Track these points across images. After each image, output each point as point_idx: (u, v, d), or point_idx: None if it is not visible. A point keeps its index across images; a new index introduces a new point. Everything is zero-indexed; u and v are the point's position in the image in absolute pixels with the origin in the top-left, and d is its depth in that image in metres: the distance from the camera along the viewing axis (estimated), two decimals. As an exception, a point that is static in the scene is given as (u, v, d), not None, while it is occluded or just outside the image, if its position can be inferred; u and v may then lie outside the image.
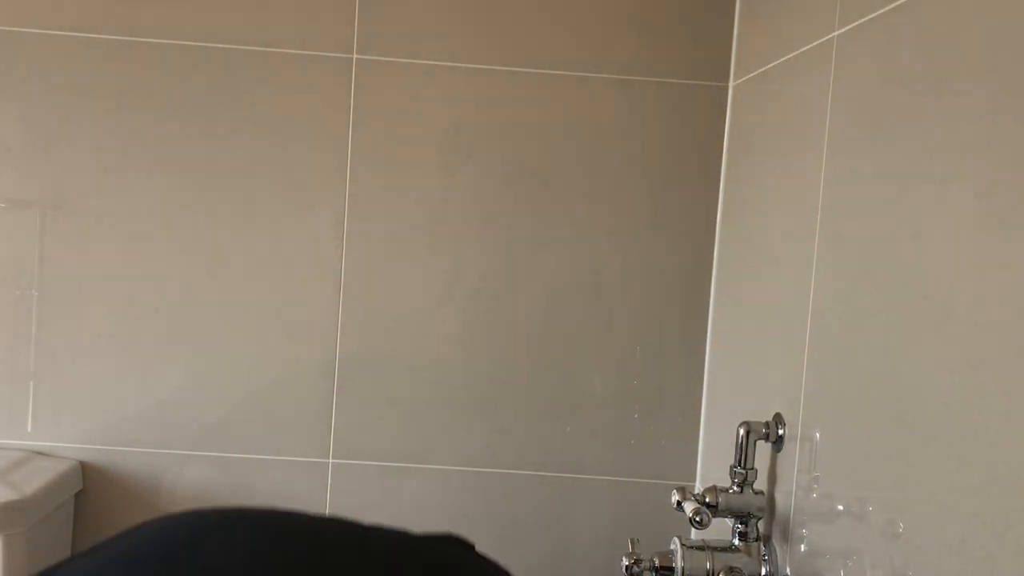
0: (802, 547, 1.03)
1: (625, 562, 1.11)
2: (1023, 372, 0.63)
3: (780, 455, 1.10)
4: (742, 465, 1.10)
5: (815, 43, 1.08)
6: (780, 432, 1.09)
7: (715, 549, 1.11)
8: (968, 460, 0.69)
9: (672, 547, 1.12)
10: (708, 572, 1.09)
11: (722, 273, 1.49)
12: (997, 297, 0.67)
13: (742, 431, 1.10)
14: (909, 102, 0.83)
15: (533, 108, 1.50)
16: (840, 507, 0.93)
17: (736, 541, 1.12)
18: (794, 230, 1.12)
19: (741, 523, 1.11)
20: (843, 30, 1.00)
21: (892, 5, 0.88)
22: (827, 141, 1.02)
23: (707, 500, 1.09)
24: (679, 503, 1.11)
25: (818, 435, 0.99)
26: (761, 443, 1.12)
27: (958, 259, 0.73)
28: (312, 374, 1.51)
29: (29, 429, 1.55)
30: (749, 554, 1.10)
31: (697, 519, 1.06)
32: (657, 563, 1.11)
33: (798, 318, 1.07)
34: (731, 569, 1.08)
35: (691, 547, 1.11)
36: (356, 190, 1.51)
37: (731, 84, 1.46)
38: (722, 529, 1.16)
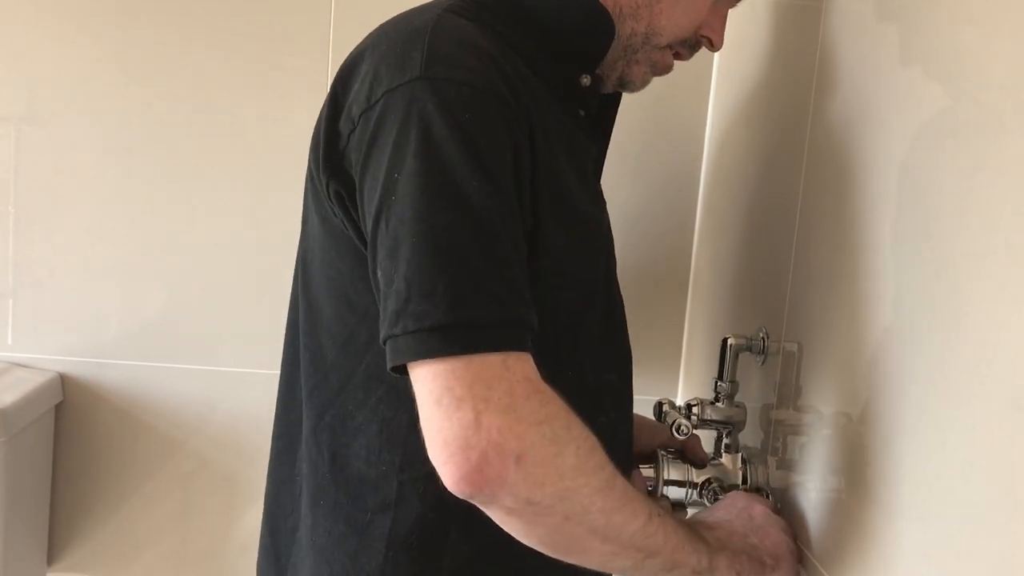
0: (781, 459, 1.03)
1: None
2: (1011, 278, 0.62)
3: (762, 368, 1.10)
4: (724, 378, 1.10)
5: None
6: (763, 345, 1.09)
7: (693, 461, 1.11)
8: (950, 368, 0.69)
9: (655, 457, 1.12)
10: (688, 482, 1.09)
11: (708, 186, 1.47)
12: (988, 202, 0.66)
13: (725, 344, 1.10)
14: None
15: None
16: (819, 420, 0.93)
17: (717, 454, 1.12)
18: (782, 141, 1.11)
19: (722, 435, 1.11)
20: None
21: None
22: (820, 46, 1.00)
23: (690, 412, 1.09)
24: (661, 414, 1.12)
25: (800, 348, 0.99)
26: (743, 357, 1.11)
27: (949, 160, 0.72)
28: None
29: (9, 342, 1.54)
30: (729, 465, 1.11)
31: (678, 429, 1.06)
32: (641, 474, 1.11)
33: (784, 229, 1.06)
34: (710, 480, 1.09)
35: (672, 458, 1.11)
36: (338, 101, 1.48)
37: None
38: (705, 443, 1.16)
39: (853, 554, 0.84)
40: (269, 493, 1.04)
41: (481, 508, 0.75)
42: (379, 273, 0.76)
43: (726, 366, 1.09)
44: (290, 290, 1.02)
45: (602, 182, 1.06)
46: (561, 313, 0.88)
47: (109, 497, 1.58)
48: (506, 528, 0.77)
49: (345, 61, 0.89)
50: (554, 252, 0.85)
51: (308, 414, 0.95)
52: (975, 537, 0.64)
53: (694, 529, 0.90)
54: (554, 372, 0.78)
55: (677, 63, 1.03)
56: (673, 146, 1.49)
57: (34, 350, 1.54)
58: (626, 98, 1.08)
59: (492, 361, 0.72)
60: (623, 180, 1.49)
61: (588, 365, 0.94)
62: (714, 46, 1.02)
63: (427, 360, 0.72)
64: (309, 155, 0.92)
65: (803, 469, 0.97)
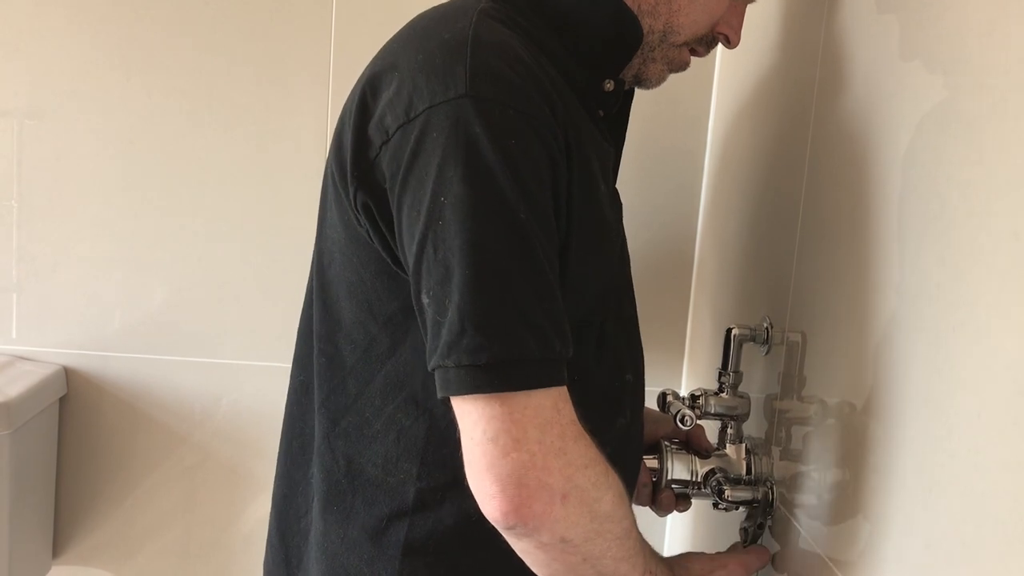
0: (785, 449, 1.03)
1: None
2: (1017, 266, 0.62)
3: (766, 359, 1.10)
4: (728, 368, 1.09)
5: None
6: (767, 335, 1.08)
7: (698, 451, 1.11)
8: (955, 356, 0.69)
9: (658, 448, 1.12)
10: (692, 473, 1.09)
11: (712, 176, 1.47)
12: (992, 191, 0.66)
13: (729, 334, 1.10)
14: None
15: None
16: (823, 410, 0.93)
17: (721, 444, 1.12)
18: (786, 130, 1.10)
19: (726, 426, 1.11)
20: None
21: None
22: (823, 31, 1.00)
23: (693, 402, 1.09)
24: (664, 405, 1.12)
25: (804, 338, 0.99)
26: (747, 347, 1.11)
27: (953, 150, 0.71)
28: (296, 281, 1.50)
29: (13, 335, 1.54)
30: (733, 456, 1.11)
31: (681, 420, 1.05)
32: (645, 465, 1.11)
33: (788, 219, 1.06)
34: (714, 470, 1.09)
35: (676, 448, 1.11)
36: (340, 92, 1.48)
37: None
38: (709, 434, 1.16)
39: (858, 544, 0.84)
40: (280, 494, 1.02)
41: (511, 538, 0.78)
42: (426, 298, 0.76)
43: (730, 356, 1.09)
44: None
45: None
46: (585, 317, 0.89)
47: (113, 490, 1.58)
48: (526, 558, 0.80)
49: (375, 64, 0.87)
50: (582, 261, 0.85)
51: (322, 419, 0.94)
52: (980, 526, 0.64)
53: None
54: (581, 376, 0.81)
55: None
56: (677, 135, 1.49)
57: (38, 343, 1.54)
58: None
59: (545, 403, 0.74)
60: (627, 170, 1.48)
61: (609, 366, 0.95)
62: (731, 43, 1.01)
63: (481, 395, 0.73)
64: (330, 157, 0.90)
65: (807, 459, 0.96)
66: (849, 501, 0.86)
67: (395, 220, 0.80)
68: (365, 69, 0.89)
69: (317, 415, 0.95)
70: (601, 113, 0.97)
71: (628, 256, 1.02)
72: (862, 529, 0.83)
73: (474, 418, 0.74)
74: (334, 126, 1.46)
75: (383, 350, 0.89)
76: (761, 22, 1.25)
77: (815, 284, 0.97)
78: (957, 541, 0.67)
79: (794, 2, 1.13)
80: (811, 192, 1.00)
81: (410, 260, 0.78)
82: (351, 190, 0.84)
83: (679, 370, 1.54)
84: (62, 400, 1.54)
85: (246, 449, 1.56)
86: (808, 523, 0.95)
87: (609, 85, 0.95)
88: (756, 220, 1.23)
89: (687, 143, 1.49)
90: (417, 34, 0.86)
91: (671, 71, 1.01)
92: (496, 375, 0.73)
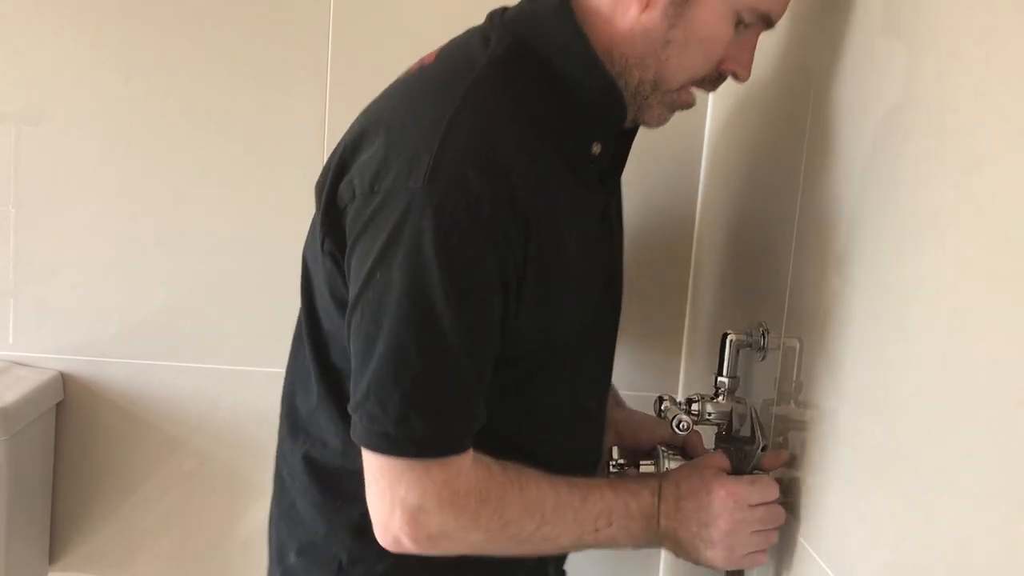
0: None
1: (609, 468, 1.12)
2: (1013, 274, 0.62)
3: (762, 364, 1.10)
4: (724, 374, 1.09)
5: None
6: (764, 341, 1.08)
7: (695, 457, 1.11)
8: (952, 361, 0.69)
9: (655, 453, 1.12)
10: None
11: (708, 181, 1.47)
12: (988, 199, 0.66)
13: (726, 340, 1.10)
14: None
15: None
16: (820, 415, 0.93)
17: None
18: (782, 135, 1.11)
19: (722, 431, 1.11)
20: None
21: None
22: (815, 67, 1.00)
23: (690, 407, 1.09)
24: (661, 410, 1.12)
25: (800, 343, 0.99)
26: (744, 353, 1.11)
27: (949, 155, 0.72)
28: (294, 286, 1.50)
29: (10, 340, 1.54)
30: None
31: (678, 425, 1.06)
32: (641, 470, 1.12)
33: (784, 224, 1.06)
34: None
35: (672, 454, 1.11)
36: (337, 95, 1.48)
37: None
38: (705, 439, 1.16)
39: (855, 549, 0.84)
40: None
41: None
42: (352, 346, 0.87)
43: (726, 362, 1.09)
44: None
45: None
46: (539, 352, 0.97)
47: (110, 495, 1.58)
48: None
49: (368, 115, 0.93)
50: (534, 320, 0.92)
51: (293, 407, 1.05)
52: (978, 529, 0.64)
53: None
54: (531, 404, 0.96)
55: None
56: (673, 141, 1.49)
57: (35, 349, 1.54)
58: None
59: (418, 467, 0.86)
60: (624, 175, 1.49)
61: (564, 395, 1.02)
62: (740, 78, 0.98)
63: (378, 454, 0.86)
64: (315, 194, 0.97)
65: (804, 465, 0.96)
66: (847, 506, 0.86)
67: (345, 270, 0.89)
68: (362, 113, 0.95)
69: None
70: (592, 163, 0.98)
71: (617, 288, 1.07)
72: (860, 533, 0.83)
73: (365, 463, 0.88)
74: (332, 129, 1.48)
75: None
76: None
77: (811, 290, 0.97)
78: (954, 544, 0.67)
79: (791, 5, 1.14)
80: (807, 197, 1.00)
81: (348, 310, 0.88)
82: (321, 235, 0.92)
83: (676, 375, 1.54)
84: (59, 406, 1.54)
85: (244, 454, 1.56)
86: (806, 529, 0.95)
87: (596, 148, 0.97)
88: (752, 225, 1.23)
89: (683, 147, 1.50)
90: (409, 98, 0.92)
91: (673, 111, 1.00)
92: (386, 442, 0.85)
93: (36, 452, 1.50)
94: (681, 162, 1.50)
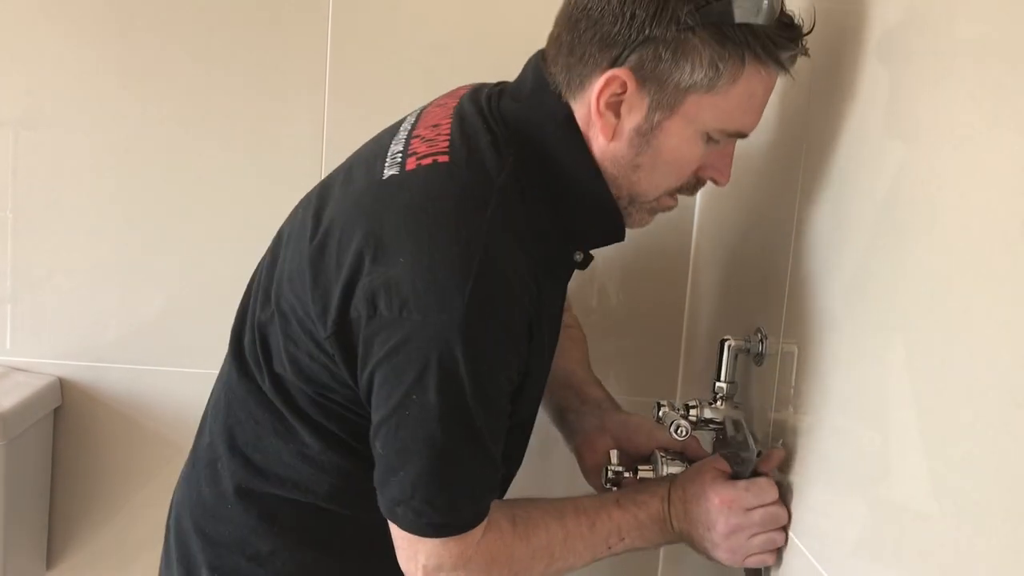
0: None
1: (607, 473, 1.12)
2: (1011, 275, 0.62)
3: (760, 369, 1.10)
4: (722, 379, 1.10)
5: None
6: (761, 346, 1.09)
7: (692, 462, 1.11)
8: (950, 366, 0.69)
9: (653, 459, 1.12)
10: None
11: (706, 189, 1.47)
12: (986, 201, 0.66)
13: (724, 345, 1.10)
14: None
15: (523, 22, 1.47)
16: (818, 420, 0.93)
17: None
18: (780, 144, 1.11)
19: (720, 436, 1.11)
20: None
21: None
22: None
23: (688, 412, 1.09)
24: (659, 415, 1.12)
25: (799, 349, 0.99)
26: (743, 358, 1.11)
27: (948, 163, 0.72)
28: (292, 291, 1.51)
29: (8, 346, 1.53)
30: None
31: (676, 430, 1.06)
32: (639, 474, 1.12)
33: (783, 230, 1.06)
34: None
35: (670, 459, 1.11)
36: (336, 100, 1.48)
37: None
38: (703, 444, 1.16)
39: (853, 554, 0.84)
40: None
41: None
42: (379, 450, 0.94)
43: (724, 367, 1.09)
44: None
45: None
46: (516, 423, 1.04)
47: (108, 501, 1.57)
48: None
49: (378, 216, 0.94)
50: (525, 398, 1.02)
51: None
52: (975, 534, 0.64)
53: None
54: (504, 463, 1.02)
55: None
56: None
57: (33, 354, 1.54)
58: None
59: (451, 540, 0.95)
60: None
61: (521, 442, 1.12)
62: (719, 184, 1.00)
63: (416, 536, 0.95)
64: (304, 248, 0.99)
65: (802, 470, 0.97)
66: (845, 512, 0.86)
67: (363, 377, 0.94)
68: (367, 203, 0.97)
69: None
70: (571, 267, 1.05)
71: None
72: (857, 539, 0.83)
73: (406, 543, 0.96)
74: (330, 135, 1.48)
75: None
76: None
77: (810, 295, 0.97)
78: (952, 551, 0.67)
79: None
80: (805, 202, 1.01)
81: (374, 418, 0.94)
82: (326, 326, 0.94)
83: (674, 380, 1.54)
84: (57, 411, 1.54)
85: (241, 460, 1.56)
86: (804, 535, 0.95)
87: (579, 256, 1.03)
88: (751, 230, 1.23)
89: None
90: (431, 211, 0.93)
91: (654, 215, 1.04)
92: (431, 530, 0.94)
93: (34, 457, 1.50)
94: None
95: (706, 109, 0.91)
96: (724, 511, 0.98)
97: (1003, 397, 0.62)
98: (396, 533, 0.97)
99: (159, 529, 1.60)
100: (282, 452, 1.03)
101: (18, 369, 1.53)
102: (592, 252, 1.05)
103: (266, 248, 1.16)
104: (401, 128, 1.04)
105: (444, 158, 0.95)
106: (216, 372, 1.49)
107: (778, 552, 1.00)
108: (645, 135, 0.93)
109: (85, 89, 1.48)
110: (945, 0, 0.74)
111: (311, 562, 1.06)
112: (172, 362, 1.53)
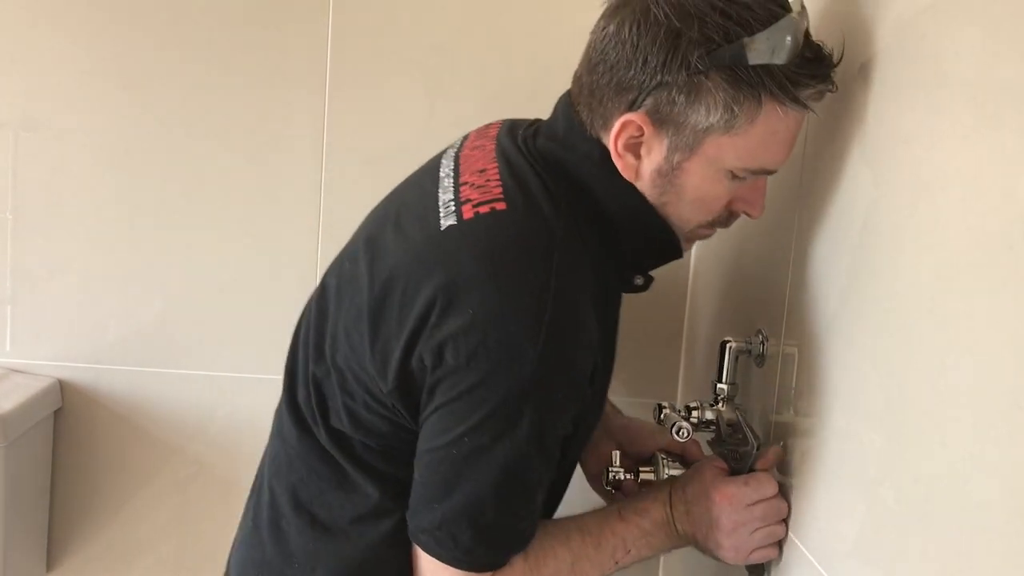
0: (781, 462, 1.03)
1: (608, 475, 1.12)
2: (1011, 276, 0.62)
3: (761, 371, 1.10)
4: (723, 380, 1.10)
5: None
6: (762, 348, 1.08)
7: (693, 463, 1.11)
8: (951, 368, 0.69)
9: (654, 460, 1.12)
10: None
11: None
12: (986, 203, 0.66)
13: (724, 347, 1.10)
14: None
15: (523, 22, 1.47)
16: (819, 422, 0.93)
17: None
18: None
19: (716, 434, 1.11)
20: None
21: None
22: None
23: (689, 414, 1.09)
24: (661, 417, 1.12)
25: (800, 350, 0.99)
26: (744, 360, 1.11)
27: (948, 163, 0.72)
28: (292, 293, 1.50)
29: (8, 348, 1.53)
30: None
31: (678, 432, 1.06)
32: (640, 476, 1.11)
33: (783, 232, 1.06)
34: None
35: (671, 461, 1.11)
36: (336, 103, 1.48)
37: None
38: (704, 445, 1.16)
39: (854, 556, 0.84)
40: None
41: None
42: (418, 475, 0.95)
43: (725, 368, 1.09)
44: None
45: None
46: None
47: (108, 502, 1.57)
48: None
49: (439, 259, 0.93)
50: (581, 436, 1.02)
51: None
52: (976, 536, 0.64)
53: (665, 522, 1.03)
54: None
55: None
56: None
57: (33, 356, 1.54)
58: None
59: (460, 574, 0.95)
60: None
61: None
62: (752, 216, 1.00)
63: (435, 559, 0.95)
64: (363, 303, 0.97)
65: (803, 471, 0.96)
66: (847, 513, 0.86)
67: (423, 418, 0.94)
68: (430, 255, 0.95)
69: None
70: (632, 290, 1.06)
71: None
72: (859, 541, 0.83)
73: (428, 566, 0.96)
74: (330, 137, 1.47)
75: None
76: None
77: (811, 297, 0.97)
78: (953, 552, 0.67)
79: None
80: (806, 204, 1.01)
81: (421, 445, 0.94)
82: (387, 380, 0.94)
83: (675, 382, 1.54)
84: (57, 413, 1.54)
85: (241, 462, 1.55)
86: (805, 536, 0.95)
87: (639, 280, 1.04)
88: (752, 231, 1.23)
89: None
90: (497, 269, 0.91)
91: (692, 242, 1.05)
92: (465, 561, 0.94)
93: (34, 459, 1.49)
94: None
95: (727, 149, 0.90)
96: (726, 508, 0.98)
97: (1003, 398, 0.62)
98: (417, 553, 0.97)
99: (159, 531, 1.60)
100: (345, 505, 1.01)
101: (18, 371, 1.53)
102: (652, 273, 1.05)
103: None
104: (442, 173, 1.03)
105: (502, 205, 0.94)
106: (215, 373, 1.49)
107: (779, 545, 1.00)
108: (667, 176, 0.93)
109: (85, 90, 1.48)
110: None
111: None
112: (172, 364, 1.53)
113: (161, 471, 1.57)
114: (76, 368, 1.53)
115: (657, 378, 1.53)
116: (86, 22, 1.47)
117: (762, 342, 1.09)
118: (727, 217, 1.00)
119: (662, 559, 1.58)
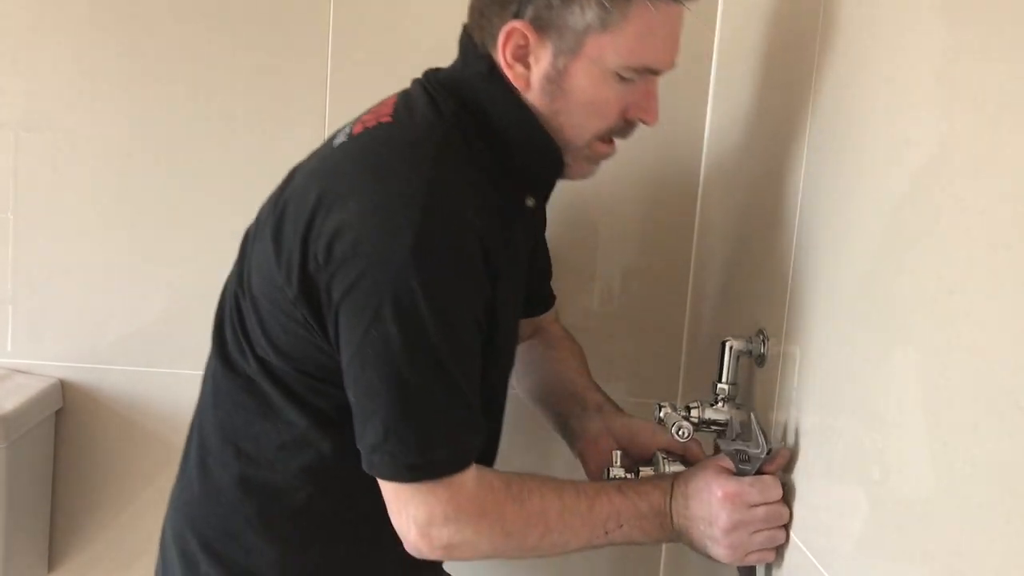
0: (783, 460, 1.03)
1: (608, 474, 1.12)
2: (1014, 277, 0.62)
3: (762, 371, 1.10)
4: (723, 380, 1.10)
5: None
6: (763, 347, 1.09)
7: (694, 463, 1.11)
8: (953, 368, 0.69)
9: (655, 460, 1.12)
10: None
11: (708, 187, 1.47)
12: (987, 204, 0.66)
13: (725, 347, 1.10)
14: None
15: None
16: (820, 422, 0.93)
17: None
18: (780, 142, 1.11)
19: (722, 433, 1.11)
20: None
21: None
22: (817, 51, 1.00)
23: (689, 414, 1.09)
24: (661, 417, 1.12)
25: (801, 350, 0.99)
26: (744, 359, 1.11)
27: (949, 163, 0.72)
28: (294, 293, 1.51)
29: (9, 348, 1.53)
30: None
31: (678, 431, 1.06)
32: (640, 475, 1.11)
33: (784, 232, 1.06)
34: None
35: (672, 460, 1.11)
36: (337, 100, 1.48)
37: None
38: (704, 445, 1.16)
39: (856, 557, 0.84)
40: None
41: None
42: (352, 398, 0.95)
43: (726, 368, 1.09)
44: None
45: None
46: (487, 385, 1.05)
47: (109, 503, 1.57)
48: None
49: (313, 177, 1.00)
50: (492, 357, 1.02)
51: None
52: (978, 536, 0.64)
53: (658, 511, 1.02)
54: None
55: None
56: (672, 145, 1.49)
57: (34, 356, 1.54)
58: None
59: (423, 489, 0.94)
60: (624, 182, 1.49)
61: (494, 419, 1.13)
62: (648, 123, 1.03)
63: (396, 483, 0.95)
64: (267, 230, 1.01)
65: (804, 470, 0.96)
66: (847, 514, 0.86)
67: (331, 326, 0.95)
68: (307, 174, 1.02)
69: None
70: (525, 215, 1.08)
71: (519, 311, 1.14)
72: (860, 541, 0.83)
73: (389, 494, 0.96)
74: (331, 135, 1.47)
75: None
76: (757, 27, 1.25)
77: (812, 297, 0.97)
78: (955, 554, 0.67)
79: (788, 9, 1.14)
80: (807, 203, 1.01)
81: (343, 364, 0.95)
82: (292, 287, 0.97)
83: (675, 382, 1.54)
84: (58, 413, 1.54)
85: (242, 461, 1.56)
86: (806, 536, 0.95)
87: (530, 202, 1.08)
88: (753, 231, 1.23)
89: (683, 152, 1.50)
90: (373, 159, 0.98)
91: (594, 164, 1.07)
92: (409, 472, 0.94)
93: (35, 459, 1.50)
94: (681, 167, 1.50)
95: (607, 48, 0.96)
96: (727, 506, 0.97)
97: (1006, 398, 0.62)
98: (384, 490, 0.96)
99: (160, 531, 1.60)
100: (271, 434, 1.04)
101: (19, 371, 1.53)
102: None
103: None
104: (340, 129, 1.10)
105: (388, 119, 1.00)
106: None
107: (778, 550, 0.99)
108: (555, 81, 0.98)
109: (85, 91, 1.48)
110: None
111: (313, 554, 1.07)
112: (173, 364, 1.53)
113: (162, 471, 1.57)
114: (77, 368, 1.53)
115: (658, 378, 1.53)
116: (87, 22, 1.47)
117: (763, 342, 1.09)
118: (624, 126, 1.03)
119: (663, 561, 1.58)
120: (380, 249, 0.91)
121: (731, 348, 1.09)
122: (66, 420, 1.55)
